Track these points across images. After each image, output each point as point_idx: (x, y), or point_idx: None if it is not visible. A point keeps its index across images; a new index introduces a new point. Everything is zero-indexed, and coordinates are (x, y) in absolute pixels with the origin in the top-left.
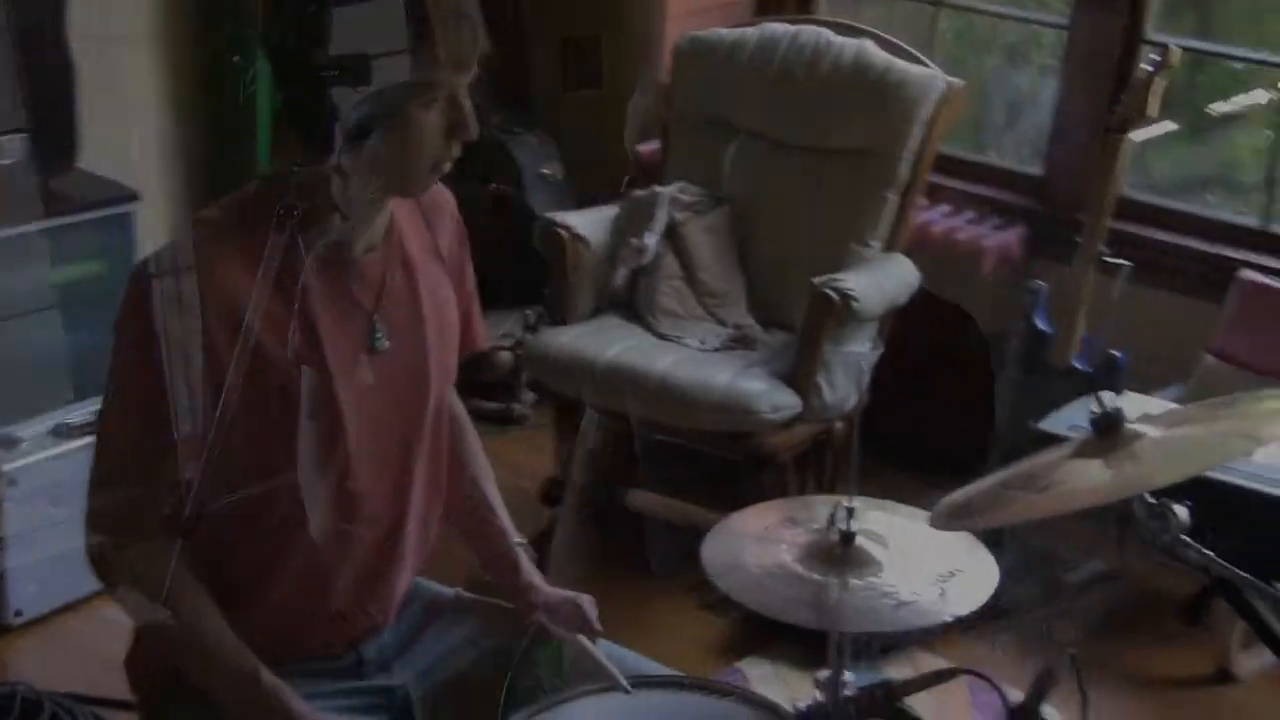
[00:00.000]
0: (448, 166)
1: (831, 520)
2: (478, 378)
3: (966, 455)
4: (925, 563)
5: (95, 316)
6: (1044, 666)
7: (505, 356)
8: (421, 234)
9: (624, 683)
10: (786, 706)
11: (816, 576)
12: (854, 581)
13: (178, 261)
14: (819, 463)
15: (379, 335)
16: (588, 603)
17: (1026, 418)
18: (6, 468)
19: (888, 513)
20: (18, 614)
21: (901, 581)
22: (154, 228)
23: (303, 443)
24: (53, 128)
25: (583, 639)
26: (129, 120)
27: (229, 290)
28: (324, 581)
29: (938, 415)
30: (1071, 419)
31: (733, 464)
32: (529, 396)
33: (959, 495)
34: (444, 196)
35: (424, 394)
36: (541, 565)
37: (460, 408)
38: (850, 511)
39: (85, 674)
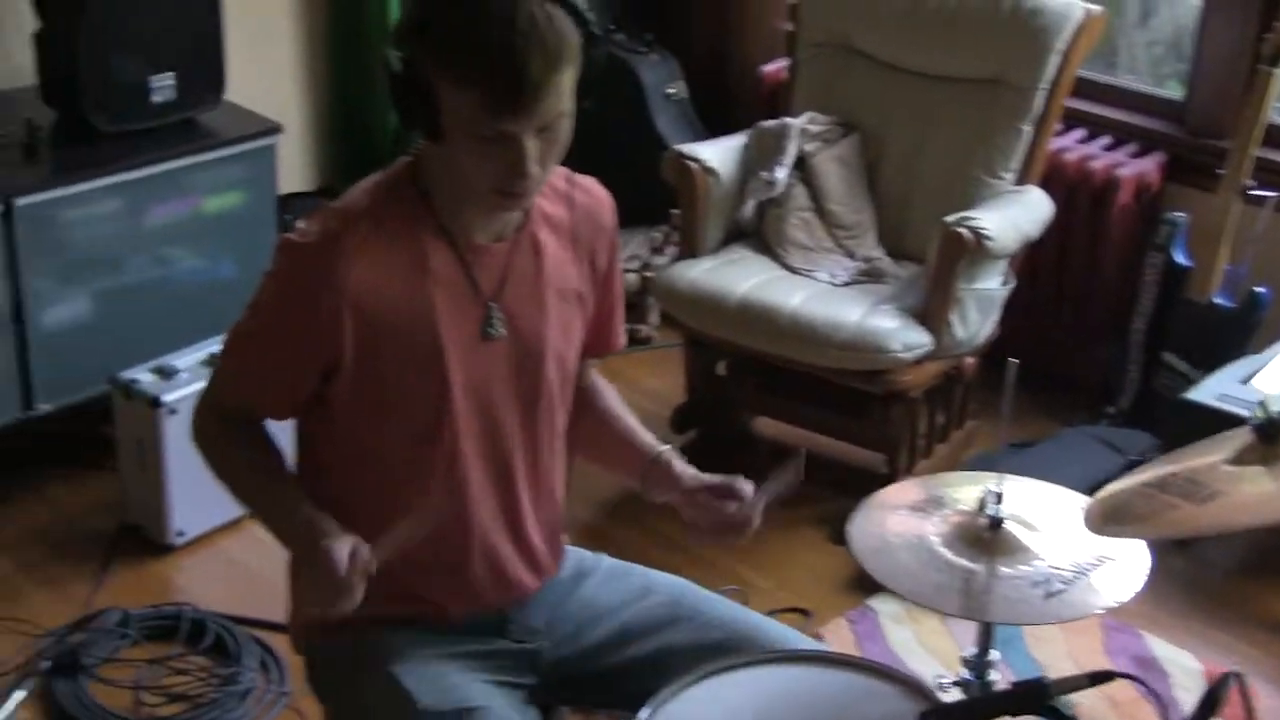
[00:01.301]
0: (519, 195)
1: (981, 505)
2: None
3: (1100, 388)
4: (1075, 549)
5: (241, 245)
6: (1215, 682)
7: (632, 278)
8: (565, 231)
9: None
10: (924, 669)
11: (965, 563)
12: (1003, 569)
13: (321, 244)
14: (948, 397)
15: (494, 323)
16: (745, 483)
17: (1162, 352)
18: (166, 398)
19: (1035, 491)
20: (180, 534)
21: (1051, 570)
22: (294, 158)
23: (412, 418)
24: (201, 64)
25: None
26: (270, 53)
27: (363, 279)
28: (449, 554)
29: (1070, 346)
30: (1218, 388)
31: (862, 396)
32: (655, 317)
33: (1113, 494)
34: (602, 202)
35: (536, 384)
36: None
37: (602, 382)
38: (999, 497)
39: (242, 591)
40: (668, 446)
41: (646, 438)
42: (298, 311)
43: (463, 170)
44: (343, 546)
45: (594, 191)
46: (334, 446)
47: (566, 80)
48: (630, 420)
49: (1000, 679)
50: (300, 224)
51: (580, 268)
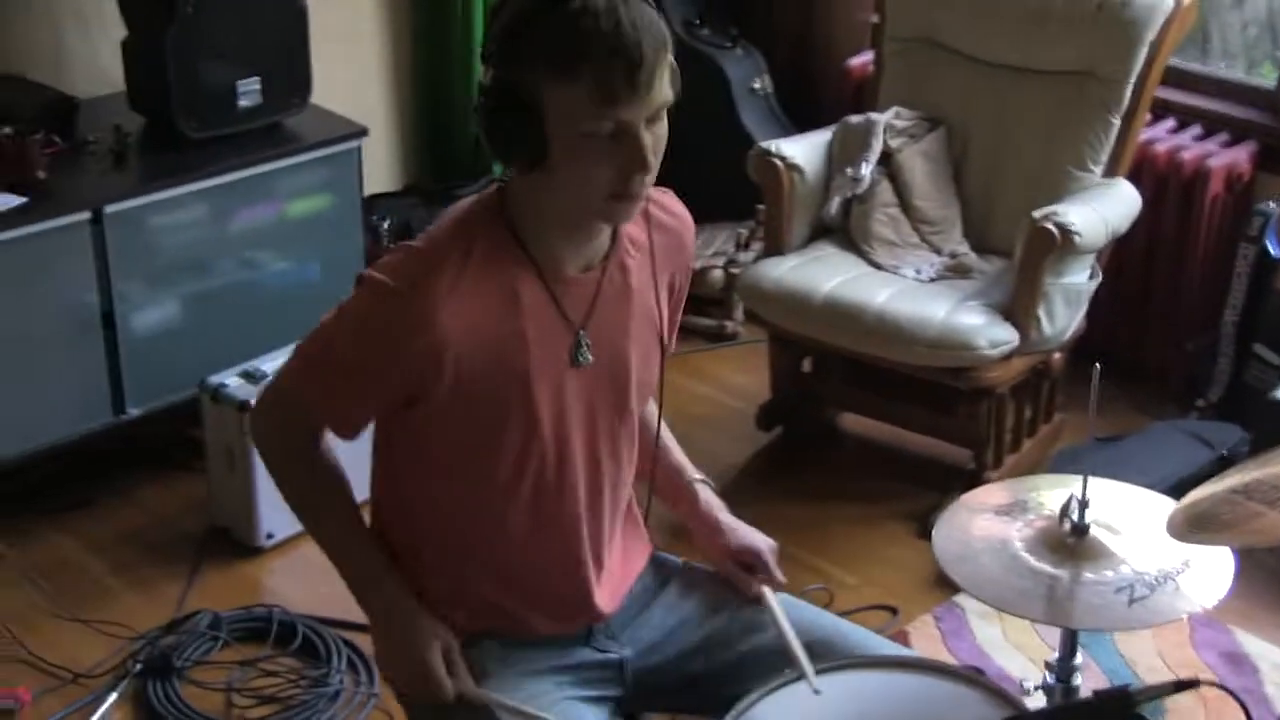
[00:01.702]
0: (637, 196)
1: (1064, 512)
2: (691, 294)
3: (1189, 381)
4: (1160, 553)
5: (326, 248)
6: None
7: (717, 274)
8: (648, 254)
9: (804, 664)
10: (1013, 671)
11: (1049, 569)
12: (1087, 575)
13: (413, 293)
14: (1036, 392)
15: (584, 350)
16: (770, 550)
17: (1253, 345)
18: (254, 402)
19: (1120, 494)
20: (269, 537)
21: (1136, 575)
22: (378, 159)
23: (502, 446)
24: (286, 69)
25: (767, 593)
26: (356, 55)
27: (455, 322)
28: (530, 574)
29: (1160, 340)
30: None
31: (949, 392)
32: (740, 313)
33: (1197, 501)
34: (684, 221)
35: (623, 408)
36: (753, 497)
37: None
38: (1085, 503)
39: (331, 593)
40: (699, 479)
41: (690, 471)
42: (385, 353)
43: (573, 185)
44: (441, 665)
45: (675, 210)
46: (414, 459)
47: (668, 67)
48: (678, 455)
49: (1084, 683)
50: (387, 261)
51: (660, 290)
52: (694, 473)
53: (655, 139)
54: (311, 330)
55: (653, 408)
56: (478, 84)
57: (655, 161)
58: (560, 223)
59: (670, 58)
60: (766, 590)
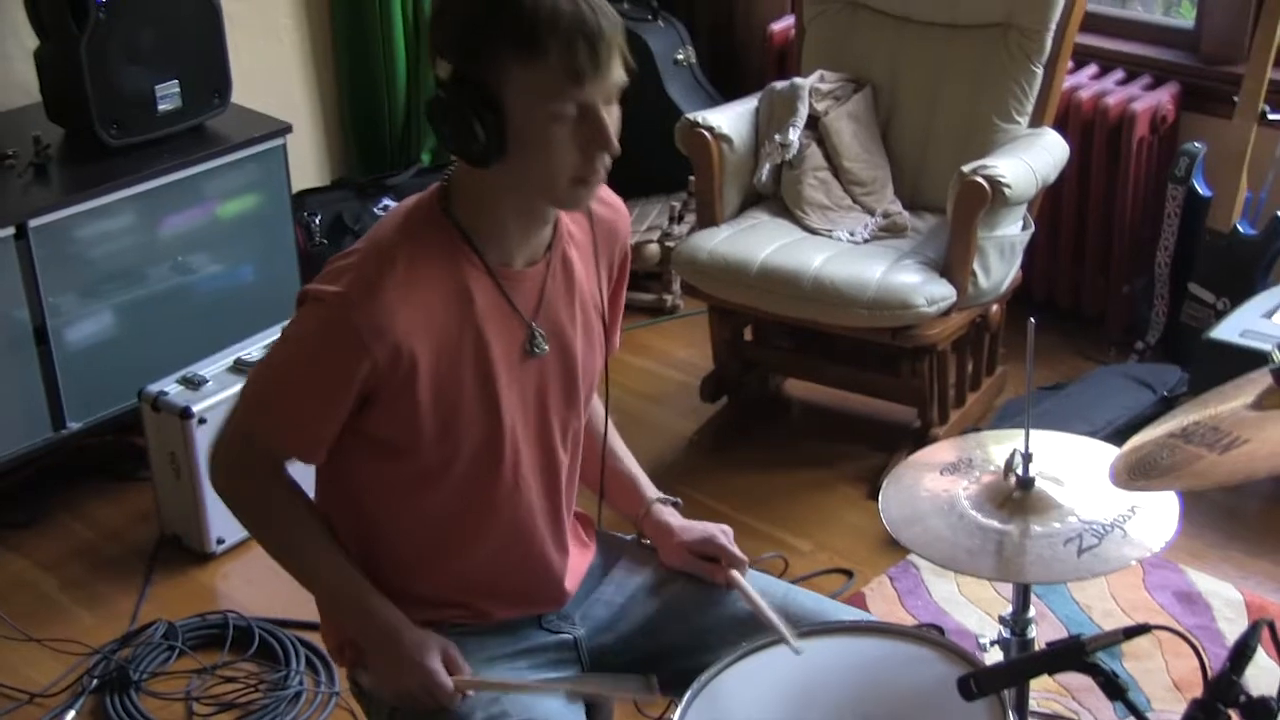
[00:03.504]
0: (596, 180)
1: (1008, 467)
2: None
3: (1128, 325)
4: (1107, 501)
5: (259, 248)
6: (1245, 631)
7: (653, 249)
8: (588, 247)
9: (784, 632)
10: (970, 626)
11: (997, 525)
12: (1035, 528)
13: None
14: (977, 345)
15: (538, 341)
16: (724, 534)
17: (1188, 284)
18: (196, 407)
19: (1064, 445)
20: (219, 542)
21: (1084, 525)
22: (305, 154)
23: (462, 442)
24: (204, 69)
25: (737, 577)
26: (274, 52)
27: (410, 322)
28: (489, 565)
29: (1096, 285)
30: (1242, 324)
31: (890, 352)
32: (679, 286)
33: (1137, 448)
34: (619, 212)
35: (573, 397)
36: (703, 469)
37: (596, 400)
38: (1028, 457)
39: (285, 594)
40: (659, 497)
41: (645, 485)
42: (344, 365)
43: (536, 171)
44: (443, 670)
45: (608, 199)
46: (371, 474)
47: (622, 48)
48: (629, 463)
49: (1040, 634)
50: (330, 272)
51: (599, 280)
52: (654, 492)
53: (613, 121)
54: (256, 369)
55: (598, 407)
56: (434, 80)
57: (615, 144)
58: (514, 214)
59: (623, 39)
60: (734, 573)
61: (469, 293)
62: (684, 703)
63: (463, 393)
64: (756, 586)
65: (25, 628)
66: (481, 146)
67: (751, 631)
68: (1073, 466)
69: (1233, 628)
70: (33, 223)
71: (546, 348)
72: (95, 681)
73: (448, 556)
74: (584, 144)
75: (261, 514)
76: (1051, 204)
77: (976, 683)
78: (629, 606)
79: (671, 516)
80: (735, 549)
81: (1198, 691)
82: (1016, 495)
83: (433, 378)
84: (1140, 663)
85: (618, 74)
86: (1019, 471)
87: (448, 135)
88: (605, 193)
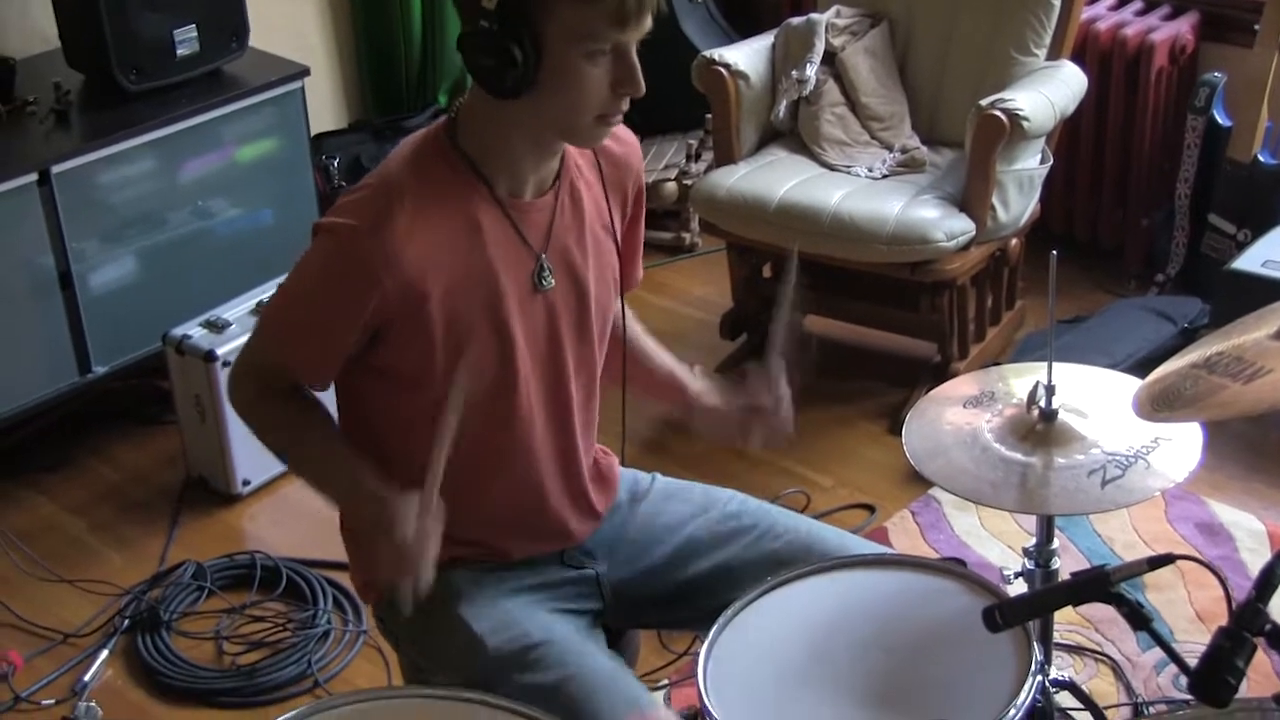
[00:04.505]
0: (617, 120)
1: (1031, 399)
2: (645, 209)
3: (1148, 257)
4: (1129, 432)
5: (278, 191)
6: (1272, 559)
7: (670, 187)
8: (596, 181)
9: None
10: (992, 559)
11: (1021, 457)
12: (1059, 460)
13: (374, 227)
14: (996, 280)
15: (545, 274)
16: (756, 378)
17: (1208, 215)
18: (219, 350)
19: (1087, 377)
20: (245, 483)
21: (1107, 456)
22: (323, 98)
23: (480, 373)
24: (222, 13)
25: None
26: None
27: (420, 253)
28: (501, 500)
29: (1116, 218)
30: (1264, 254)
31: (910, 287)
32: (697, 224)
33: (1161, 379)
34: (630, 145)
35: (585, 330)
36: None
37: (634, 324)
38: (1051, 389)
39: (312, 534)
40: (697, 368)
41: (686, 376)
42: (355, 295)
43: (564, 106)
44: (410, 511)
45: (623, 136)
46: (387, 408)
47: None
48: (666, 358)
49: (1063, 566)
50: (342, 205)
51: (613, 213)
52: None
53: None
54: (271, 298)
55: (639, 337)
56: (479, 9)
57: (643, 84)
58: (524, 146)
59: None
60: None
61: (478, 223)
62: (710, 637)
63: (473, 323)
64: (781, 521)
65: (56, 570)
66: (516, 77)
67: (775, 567)
68: (1095, 399)
69: (1255, 558)
70: (55, 169)
71: (553, 281)
72: (127, 622)
73: (463, 492)
74: (615, 83)
75: (269, 420)
76: (1069, 137)
77: (1002, 614)
78: (651, 544)
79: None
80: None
81: (1220, 622)
82: (1040, 428)
83: (443, 308)
84: (1163, 594)
85: (650, 20)
86: (1042, 404)
87: (483, 66)
88: (617, 126)
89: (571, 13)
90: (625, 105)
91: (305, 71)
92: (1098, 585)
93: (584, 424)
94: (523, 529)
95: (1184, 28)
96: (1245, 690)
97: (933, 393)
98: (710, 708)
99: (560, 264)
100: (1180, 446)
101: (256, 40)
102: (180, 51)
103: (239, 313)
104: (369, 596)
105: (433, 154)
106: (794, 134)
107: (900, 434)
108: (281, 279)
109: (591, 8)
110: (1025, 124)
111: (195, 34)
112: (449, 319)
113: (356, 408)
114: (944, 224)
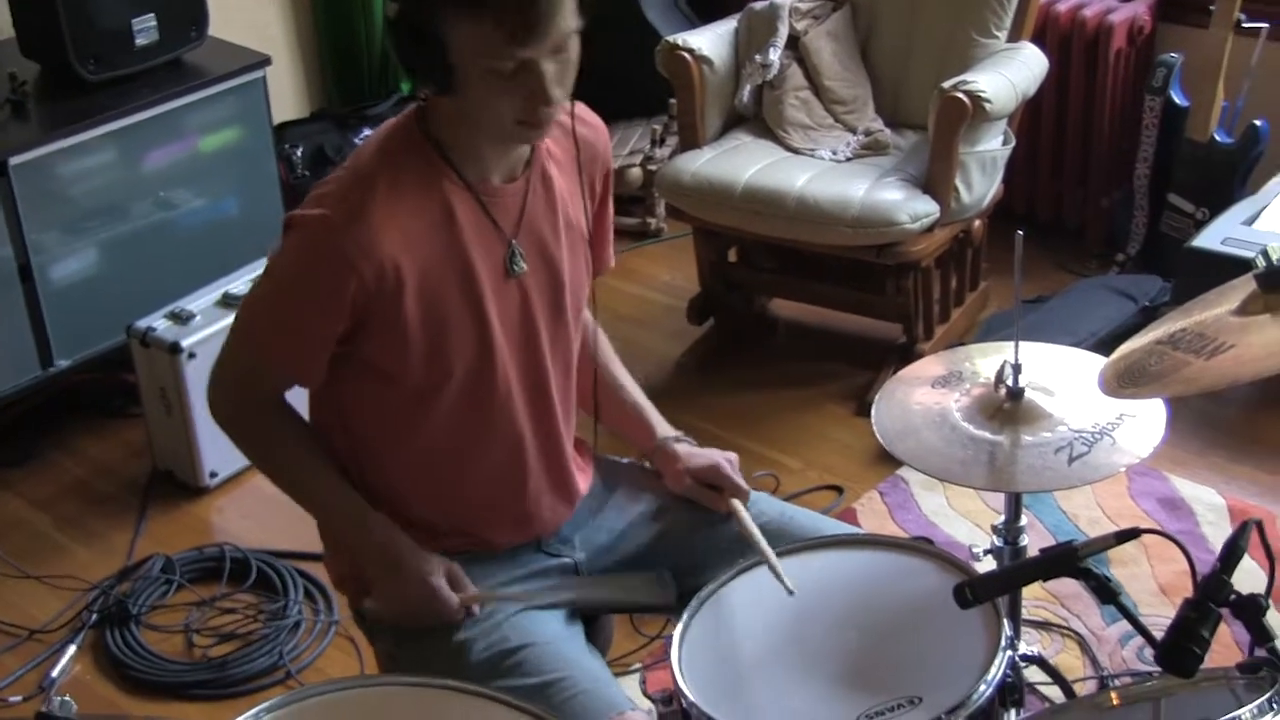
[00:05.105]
0: (540, 123)
1: (999, 378)
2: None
3: (1109, 237)
4: (1095, 409)
5: (241, 181)
6: (1234, 532)
7: (635, 173)
8: (570, 165)
9: (779, 570)
10: (960, 538)
11: (989, 435)
12: (1026, 438)
13: (348, 218)
14: (960, 261)
15: (517, 259)
16: (729, 464)
17: (1167, 195)
18: (184, 342)
19: (1052, 355)
20: (213, 475)
21: (1073, 433)
22: (284, 86)
23: (452, 361)
24: (181, 2)
25: (737, 507)
26: None
27: (396, 242)
28: (481, 488)
29: (1077, 198)
30: (1223, 232)
31: (875, 269)
32: (663, 209)
33: (1126, 356)
34: (600, 130)
35: (559, 315)
36: (691, 391)
37: (590, 319)
38: (1017, 368)
39: (281, 525)
40: (673, 434)
41: (657, 420)
42: (333, 287)
43: (481, 112)
44: (445, 586)
45: (591, 121)
46: (361, 398)
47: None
48: (637, 394)
49: (1030, 543)
50: (314, 197)
51: (583, 197)
52: (667, 429)
53: (561, 66)
54: (246, 299)
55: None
56: (383, 15)
57: (561, 91)
58: (484, 137)
59: None
60: (735, 503)
61: (450, 209)
62: (684, 619)
63: (450, 310)
64: (753, 505)
65: (22, 565)
66: (434, 81)
67: (750, 550)
68: (1061, 377)
69: (1216, 532)
70: (13, 160)
71: (525, 266)
72: (95, 616)
73: (443, 483)
74: (525, 95)
75: (263, 443)
76: (1031, 118)
77: (972, 590)
78: (628, 531)
79: (678, 443)
80: (739, 479)
81: (1184, 595)
82: (1007, 406)
83: (419, 295)
84: (1127, 568)
85: (563, 26)
86: (1009, 383)
87: (406, 68)
88: (584, 111)
89: (460, 31)
90: (547, 112)
91: (267, 60)
92: (1066, 560)
93: (564, 405)
94: (506, 515)
95: (1141, 9)
96: (1209, 661)
97: (901, 373)
98: (684, 690)
99: (533, 248)
100: (1144, 422)
101: (216, 29)
102: (139, 41)
103: (204, 304)
104: (344, 590)
105: (403, 142)
106: (758, 118)
107: (868, 415)
108: (250, 271)
109: (476, 27)
110: (987, 105)
111: (154, 23)
112: (425, 305)
113: (329, 398)
114: (908, 206)
